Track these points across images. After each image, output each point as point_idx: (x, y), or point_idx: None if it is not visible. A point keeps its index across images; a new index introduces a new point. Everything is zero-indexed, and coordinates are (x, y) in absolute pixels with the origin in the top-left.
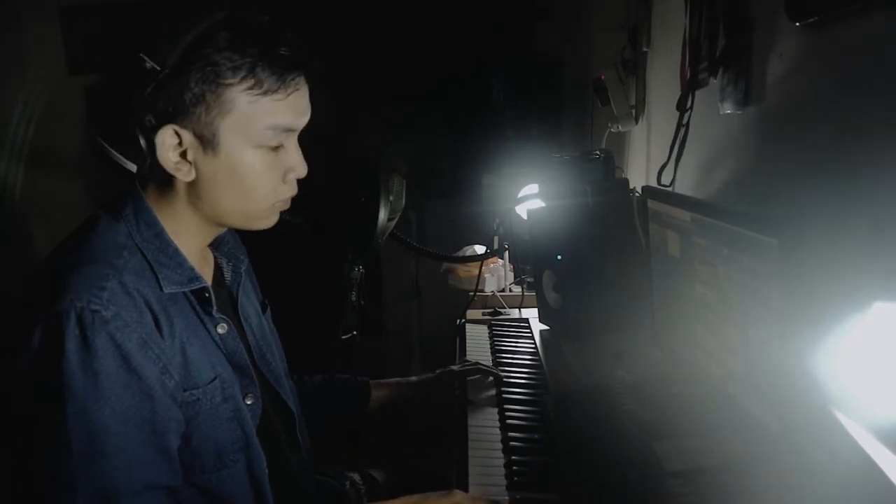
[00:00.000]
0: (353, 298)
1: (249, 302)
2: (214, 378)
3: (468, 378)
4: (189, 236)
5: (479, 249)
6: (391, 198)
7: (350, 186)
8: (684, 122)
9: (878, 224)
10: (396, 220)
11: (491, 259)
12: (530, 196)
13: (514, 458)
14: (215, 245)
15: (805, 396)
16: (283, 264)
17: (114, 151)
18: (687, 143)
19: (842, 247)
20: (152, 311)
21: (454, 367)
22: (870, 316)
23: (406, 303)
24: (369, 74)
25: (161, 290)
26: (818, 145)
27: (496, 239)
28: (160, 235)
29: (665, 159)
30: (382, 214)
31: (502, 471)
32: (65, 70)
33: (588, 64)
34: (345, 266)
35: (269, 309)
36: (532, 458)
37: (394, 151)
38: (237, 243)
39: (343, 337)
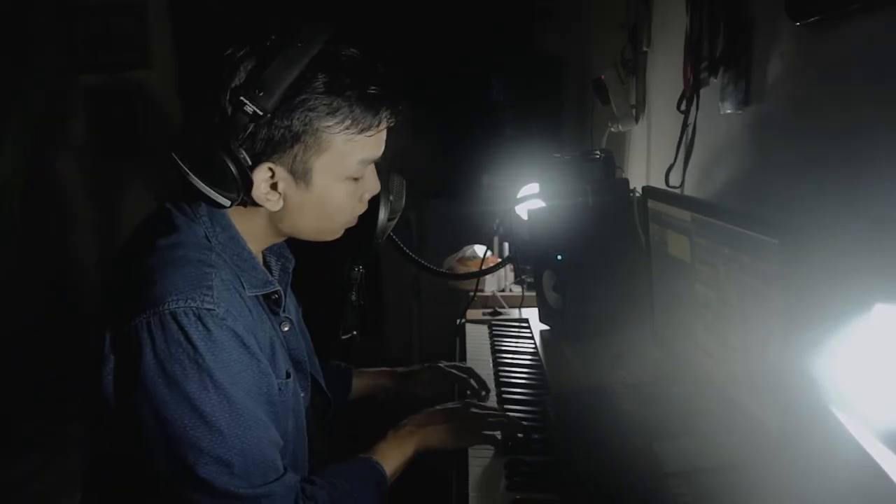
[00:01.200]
0: (353, 298)
1: (291, 301)
2: (289, 374)
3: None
4: (256, 241)
5: (479, 249)
6: (391, 197)
7: None
8: (690, 122)
9: (879, 224)
10: (396, 219)
11: (490, 259)
12: (530, 196)
13: (514, 458)
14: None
15: (805, 397)
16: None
17: (206, 187)
18: (691, 144)
19: (842, 247)
20: (247, 306)
21: (442, 364)
22: (870, 316)
23: (406, 303)
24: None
25: (245, 291)
26: (818, 145)
27: (496, 239)
28: (235, 239)
29: (666, 158)
30: (382, 214)
31: (502, 471)
32: (65, 70)
33: (588, 64)
34: (345, 266)
35: (301, 307)
36: (532, 458)
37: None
38: (284, 244)
39: (343, 337)
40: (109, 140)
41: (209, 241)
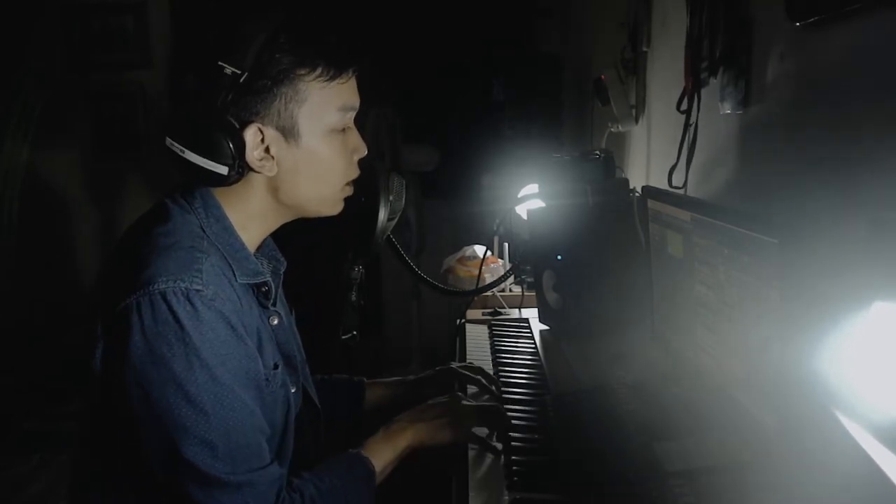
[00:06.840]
0: (353, 298)
1: (282, 303)
2: (277, 365)
3: (467, 385)
4: (250, 230)
5: (479, 249)
6: (391, 197)
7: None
8: (692, 122)
9: (878, 224)
10: (396, 219)
11: (490, 259)
12: (530, 196)
13: (514, 458)
14: (257, 247)
15: (805, 396)
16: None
17: (203, 159)
18: (693, 144)
19: (842, 247)
20: (236, 293)
21: (454, 365)
22: (870, 316)
23: (406, 303)
24: (369, 74)
25: (235, 279)
26: (818, 145)
27: (496, 239)
28: (228, 230)
29: (666, 158)
30: (382, 214)
31: (502, 471)
32: (65, 70)
33: (588, 64)
34: (345, 266)
35: (293, 313)
36: (532, 458)
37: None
38: (275, 247)
39: (343, 337)
40: (109, 140)
41: (203, 230)
